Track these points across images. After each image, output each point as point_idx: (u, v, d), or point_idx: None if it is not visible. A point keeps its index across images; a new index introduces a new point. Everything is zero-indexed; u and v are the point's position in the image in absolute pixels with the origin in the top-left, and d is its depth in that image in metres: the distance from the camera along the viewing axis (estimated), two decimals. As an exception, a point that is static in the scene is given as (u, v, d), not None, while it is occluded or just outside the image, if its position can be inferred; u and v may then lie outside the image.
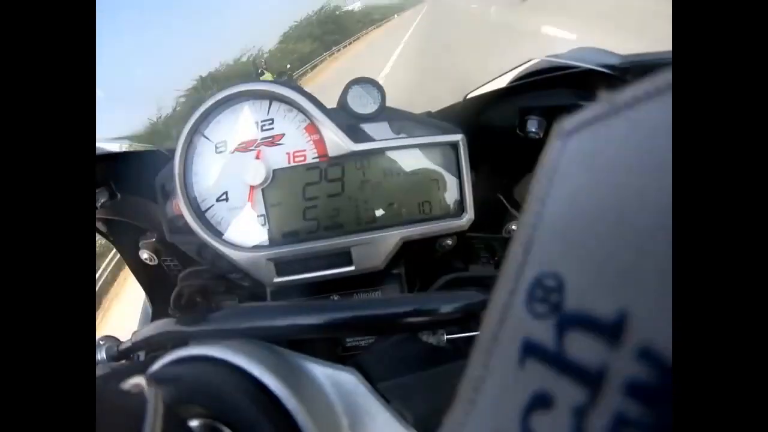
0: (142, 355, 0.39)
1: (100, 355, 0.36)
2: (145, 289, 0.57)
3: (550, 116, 0.38)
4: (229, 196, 0.39)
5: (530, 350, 0.08)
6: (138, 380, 0.23)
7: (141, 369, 0.26)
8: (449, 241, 0.41)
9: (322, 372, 0.26)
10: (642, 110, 0.08)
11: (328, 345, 0.40)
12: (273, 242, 0.39)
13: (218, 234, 0.39)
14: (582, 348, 0.07)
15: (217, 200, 0.40)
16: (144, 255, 0.50)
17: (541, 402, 0.07)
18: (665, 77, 0.08)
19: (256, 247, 0.39)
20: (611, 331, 0.07)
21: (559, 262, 0.08)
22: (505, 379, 0.08)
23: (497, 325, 0.09)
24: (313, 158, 0.38)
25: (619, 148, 0.08)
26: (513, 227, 0.45)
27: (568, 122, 0.09)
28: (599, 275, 0.07)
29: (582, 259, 0.07)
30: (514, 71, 0.39)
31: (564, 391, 0.07)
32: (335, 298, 0.41)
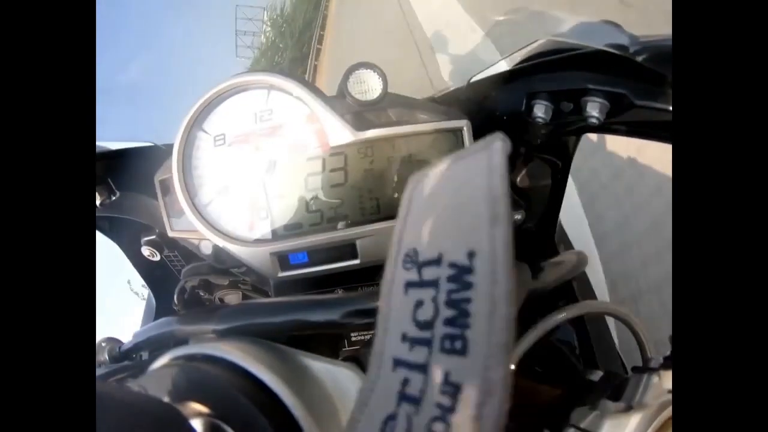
0: (144, 353, 0.39)
1: (102, 356, 0.35)
2: (148, 285, 0.56)
3: (557, 100, 0.36)
4: (229, 189, 0.38)
5: (408, 285, 0.16)
6: (139, 380, 0.23)
7: (142, 368, 0.26)
8: None
9: (321, 368, 0.25)
10: (462, 166, 0.15)
11: (333, 340, 0.39)
12: (276, 236, 0.37)
13: (219, 229, 0.38)
14: (428, 274, 0.15)
15: (218, 194, 0.38)
16: (146, 251, 0.49)
17: (418, 305, 0.15)
18: (487, 144, 0.14)
19: (258, 242, 0.37)
20: (437, 261, 0.14)
21: (414, 243, 0.16)
22: (399, 308, 0.16)
23: (390, 279, 0.16)
24: (315, 148, 0.37)
25: (442, 189, 0.16)
26: (517, 217, 0.44)
27: (418, 175, 0.18)
28: (430, 242, 0.15)
29: (424, 238, 0.16)
30: (519, 53, 0.37)
31: (426, 294, 0.15)
32: (339, 292, 0.40)
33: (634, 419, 0.25)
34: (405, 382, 0.14)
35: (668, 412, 0.25)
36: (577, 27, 0.39)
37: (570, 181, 0.43)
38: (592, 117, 0.34)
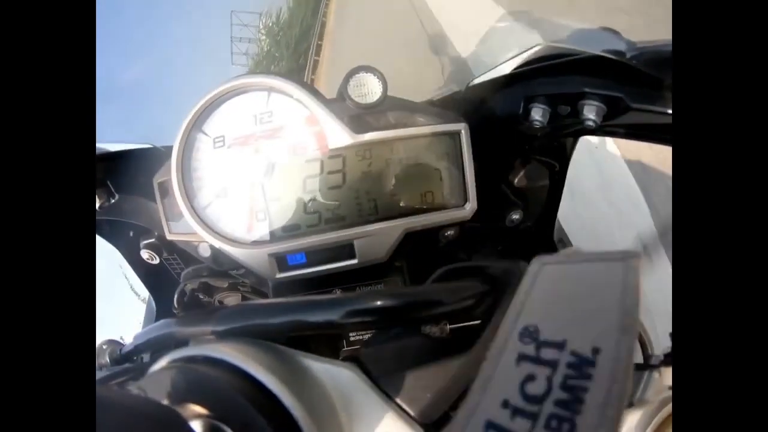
0: (145, 356, 0.38)
1: (103, 359, 0.34)
2: (148, 288, 0.55)
3: (554, 104, 0.36)
4: (228, 191, 0.38)
5: (522, 357, 0.16)
6: (139, 382, 0.23)
7: (142, 371, 0.25)
8: (451, 232, 0.40)
9: (320, 368, 0.25)
10: (595, 268, 0.17)
11: (331, 340, 0.39)
12: (274, 237, 0.37)
13: (218, 231, 0.37)
14: (546, 353, 0.15)
15: (217, 196, 0.38)
16: (145, 255, 0.48)
17: (529, 378, 0.15)
18: (625, 257, 0.16)
19: (256, 243, 0.37)
20: (559, 345, 0.15)
21: (537, 320, 0.16)
22: (506, 375, 0.16)
23: (502, 348, 0.16)
24: (314, 150, 0.36)
25: (573, 281, 0.17)
26: (515, 216, 0.44)
27: (544, 257, 0.18)
28: (556, 326, 0.16)
29: (548, 319, 0.16)
30: (518, 58, 0.37)
31: (540, 371, 0.15)
32: (338, 292, 0.40)
33: (635, 416, 0.25)
34: None
35: (669, 408, 0.25)
36: (576, 33, 0.39)
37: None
38: (589, 120, 0.34)
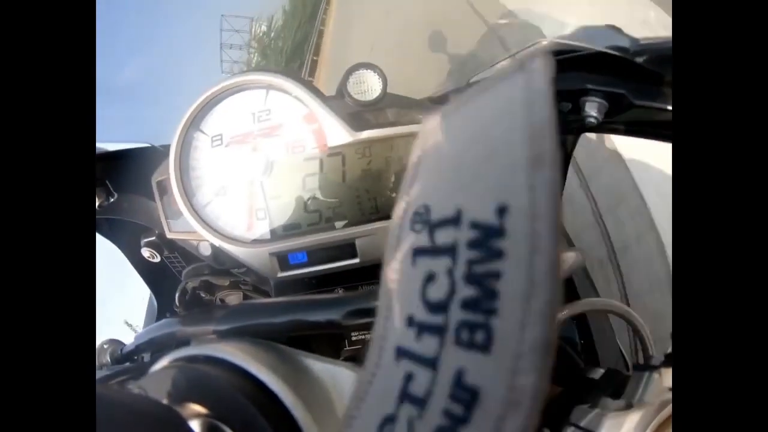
0: (146, 355, 0.38)
1: (104, 358, 0.34)
2: (149, 287, 0.55)
3: (556, 99, 0.35)
4: (227, 190, 0.37)
5: (417, 252, 0.12)
6: (139, 382, 0.22)
7: (143, 370, 0.25)
8: None
9: (321, 368, 0.25)
10: (488, 99, 0.12)
11: (332, 340, 0.38)
12: (274, 236, 0.37)
13: (218, 229, 0.37)
14: (442, 237, 0.11)
15: (216, 195, 0.37)
16: (146, 253, 0.48)
17: (430, 278, 0.12)
18: (523, 64, 0.11)
19: (257, 242, 0.36)
20: (454, 221, 0.11)
21: (426, 197, 0.13)
22: (405, 273, 0.13)
23: (395, 244, 0.13)
24: (313, 148, 0.36)
25: (463, 129, 0.12)
26: None
27: (433, 115, 0.14)
28: (446, 196, 0.12)
29: (436, 190, 0.12)
30: (520, 54, 0.36)
31: (439, 264, 0.11)
32: (340, 291, 0.40)
33: (635, 417, 0.24)
34: (409, 377, 0.11)
35: (669, 410, 0.24)
36: (579, 30, 0.38)
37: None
38: (591, 117, 0.33)
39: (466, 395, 0.09)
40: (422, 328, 0.11)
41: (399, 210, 0.14)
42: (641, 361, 0.31)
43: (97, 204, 0.43)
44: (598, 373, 0.31)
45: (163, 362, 0.25)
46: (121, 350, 0.35)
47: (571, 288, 0.43)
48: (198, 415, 0.20)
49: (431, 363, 0.11)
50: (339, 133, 0.35)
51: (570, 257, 0.35)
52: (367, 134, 0.35)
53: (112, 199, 0.44)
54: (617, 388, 0.27)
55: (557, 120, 0.10)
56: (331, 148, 0.35)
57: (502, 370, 0.09)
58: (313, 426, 0.21)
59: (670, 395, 0.25)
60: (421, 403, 0.11)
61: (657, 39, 0.33)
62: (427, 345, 0.11)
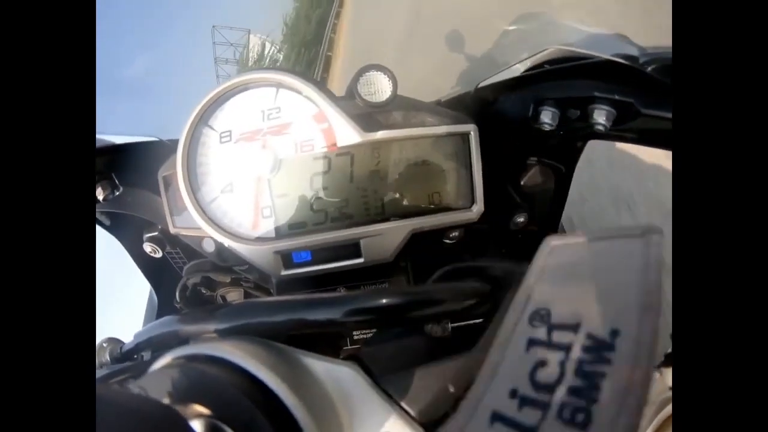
0: (146, 354, 0.37)
1: (104, 357, 0.33)
2: (150, 282, 0.54)
3: (564, 107, 0.35)
4: (234, 186, 0.36)
5: (532, 342, 0.14)
6: (139, 381, 0.22)
7: (143, 369, 0.24)
8: (456, 233, 0.39)
9: (321, 367, 0.24)
10: (611, 245, 0.15)
11: (333, 339, 0.37)
12: (279, 234, 0.36)
13: (223, 226, 0.36)
14: (559, 337, 0.14)
15: (222, 191, 0.37)
16: (148, 248, 0.47)
17: (540, 364, 0.13)
18: (645, 233, 0.14)
19: (262, 240, 0.36)
20: (573, 328, 0.14)
21: (548, 303, 0.15)
22: (515, 362, 0.14)
23: (510, 333, 0.15)
24: (322, 148, 0.35)
25: (588, 261, 0.15)
26: (520, 219, 0.43)
27: (554, 238, 0.17)
28: (568, 308, 0.14)
29: (559, 300, 0.15)
30: (528, 60, 0.36)
31: (552, 356, 0.13)
32: (342, 290, 0.39)
33: None
34: None
35: (670, 408, 0.24)
36: (587, 38, 0.38)
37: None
38: (599, 124, 0.33)
39: None
40: (525, 402, 0.13)
41: (520, 301, 0.16)
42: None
43: (101, 197, 0.42)
44: None
45: (163, 361, 0.24)
46: (121, 349, 0.34)
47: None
48: (199, 415, 0.19)
49: (531, 431, 0.13)
50: (349, 134, 0.34)
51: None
52: (377, 135, 0.34)
53: (117, 192, 0.43)
54: None
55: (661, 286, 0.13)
56: (341, 148, 0.35)
57: None
58: (313, 426, 0.21)
59: (670, 394, 0.25)
60: None
61: (665, 48, 0.33)
62: (529, 416, 0.13)
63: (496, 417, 0.13)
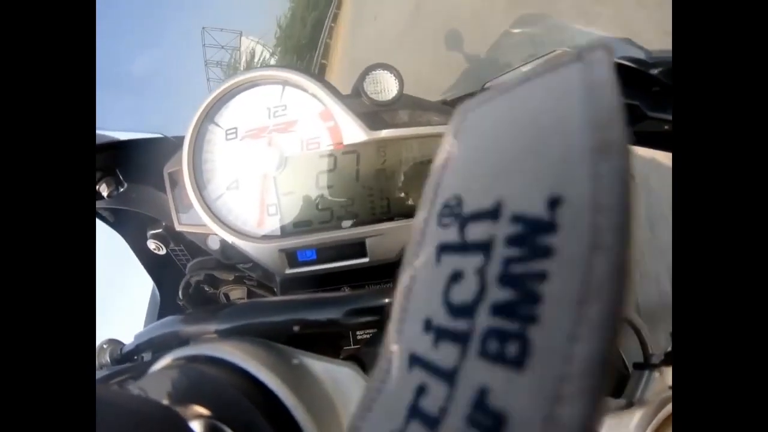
0: (147, 355, 0.36)
1: (104, 358, 0.33)
2: (153, 279, 0.54)
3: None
4: (239, 184, 0.36)
5: (443, 249, 0.11)
6: (139, 382, 0.22)
7: (143, 370, 0.24)
8: None
9: (321, 367, 0.24)
10: (538, 86, 0.11)
11: (336, 339, 0.37)
12: (284, 232, 0.36)
13: (228, 224, 0.36)
14: (475, 232, 0.10)
15: (228, 188, 0.36)
16: (152, 245, 0.46)
17: (455, 278, 0.10)
18: (582, 54, 0.10)
19: (267, 238, 0.35)
20: (492, 213, 0.09)
21: (459, 188, 0.11)
22: (427, 271, 0.11)
23: (418, 240, 0.12)
24: (328, 146, 0.35)
25: (510, 117, 0.11)
26: None
27: (465, 104, 0.13)
28: (483, 186, 0.10)
29: (474, 181, 0.11)
30: (534, 62, 0.36)
31: (468, 263, 0.10)
32: (346, 290, 0.39)
33: (636, 416, 0.24)
34: (421, 390, 0.10)
35: (670, 408, 0.24)
36: (593, 41, 0.38)
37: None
38: None
39: (488, 420, 0.08)
40: (441, 334, 0.10)
41: (425, 205, 0.12)
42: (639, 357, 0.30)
43: (106, 193, 0.42)
44: None
45: (163, 362, 0.24)
46: (121, 350, 0.34)
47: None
48: (198, 416, 0.19)
49: (449, 376, 0.09)
50: (355, 132, 0.34)
51: None
52: (383, 134, 0.34)
53: (121, 189, 0.43)
54: (617, 386, 0.26)
55: (622, 107, 0.08)
56: (347, 146, 0.35)
57: (539, 393, 0.07)
58: (314, 426, 0.20)
59: (670, 393, 0.25)
60: (432, 422, 0.09)
61: (670, 51, 0.33)
62: (446, 354, 0.09)
63: (414, 360, 0.10)
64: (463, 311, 0.09)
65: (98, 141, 0.42)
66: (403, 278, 0.12)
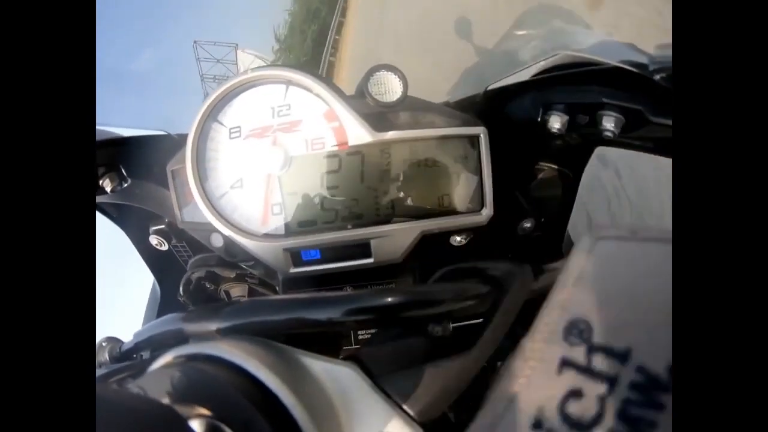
0: (146, 353, 0.36)
1: (103, 357, 0.33)
2: (154, 275, 0.54)
3: (573, 112, 0.35)
4: (243, 182, 0.36)
5: (566, 364, 0.11)
6: (138, 381, 0.22)
7: (143, 368, 0.24)
8: (463, 236, 0.39)
9: (320, 367, 0.24)
10: (651, 247, 0.12)
11: (336, 338, 0.37)
12: (289, 231, 0.36)
13: (232, 222, 0.36)
14: (601, 364, 0.11)
15: (232, 187, 0.36)
16: (154, 241, 0.46)
17: (573, 394, 0.11)
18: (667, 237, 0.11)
19: (270, 237, 0.35)
20: (621, 356, 0.11)
21: (589, 314, 0.12)
22: (544, 382, 0.12)
23: (542, 346, 0.12)
24: (332, 146, 0.35)
25: (630, 261, 0.12)
26: (527, 224, 0.42)
27: (602, 230, 0.14)
28: (615, 325, 0.11)
29: (605, 314, 0.12)
30: (537, 65, 0.36)
31: (590, 387, 0.11)
32: (348, 289, 0.39)
33: None
34: None
35: None
36: (597, 45, 0.38)
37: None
38: (607, 130, 0.33)
39: None
40: None
41: (553, 307, 0.13)
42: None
43: (109, 188, 0.42)
44: None
45: (162, 361, 0.24)
46: (120, 348, 0.34)
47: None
48: (198, 415, 0.19)
49: None
50: (360, 133, 0.34)
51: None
52: (388, 135, 0.34)
53: (125, 184, 0.42)
54: None
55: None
56: (352, 147, 0.35)
57: None
58: (313, 426, 0.20)
59: None
60: None
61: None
62: None
63: None
64: (580, 426, 0.10)
65: (103, 137, 0.42)
66: (517, 363, 0.13)
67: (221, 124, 0.36)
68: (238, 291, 0.49)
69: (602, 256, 0.13)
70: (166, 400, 0.20)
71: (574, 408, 0.11)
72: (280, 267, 0.35)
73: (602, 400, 0.11)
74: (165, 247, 0.47)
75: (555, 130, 0.35)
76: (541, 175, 0.40)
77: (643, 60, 0.33)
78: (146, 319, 0.56)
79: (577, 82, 0.35)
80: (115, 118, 0.43)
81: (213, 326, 0.26)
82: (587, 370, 0.11)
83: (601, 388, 0.11)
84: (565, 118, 0.35)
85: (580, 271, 0.13)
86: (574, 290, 0.13)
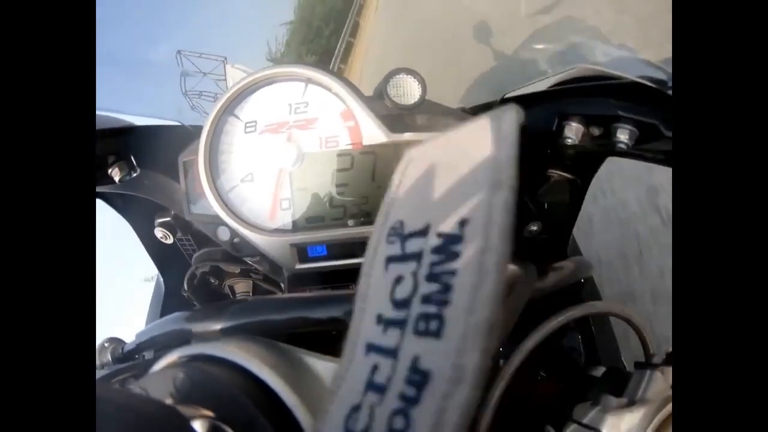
0: (148, 354, 0.36)
1: (105, 358, 0.32)
2: (158, 268, 0.53)
3: (588, 124, 0.35)
4: (254, 176, 0.36)
5: (390, 260, 0.13)
6: (140, 381, 0.21)
7: (145, 369, 0.24)
8: None
9: (323, 366, 0.24)
10: (463, 133, 0.14)
11: (341, 337, 0.36)
12: (296, 227, 0.35)
13: (240, 215, 0.35)
14: (411, 246, 0.13)
15: (242, 181, 0.36)
16: (159, 233, 0.46)
17: (398, 280, 0.13)
18: (497, 111, 0.13)
19: (278, 231, 0.35)
20: (422, 232, 0.13)
21: (402, 215, 0.14)
22: (378, 279, 0.13)
23: (372, 256, 0.14)
24: (346, 145, 0.35)
25: (440, 160, 0.14)
26: (533, 228, 0.42)
27: (414, 149, 0.16)
28: (418, 213, 0.13)
29: (412, 210, 0.14)
30: (555, 77, 0.36)
31: (407, 269, 0.12)
32: (353, 287, 0.38)
33: (636, 414, 0.23)
34: (374, 368, 0.12)
35: (670, 408, 0.23)
36: (614, 59, 0.38)
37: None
38: (621, 142, 0.33)
39: (418, 378, 0.10)
40: (388, 324, 0.12)
41: (377, 228, 0.15)
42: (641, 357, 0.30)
43: (117, 178, 0.41)
44: (599, 371, 0.30)
45: (165, 361, 0.23)
46: (122, 349, 0.33)
47: (576, 293, 0.43)
48: (200, 416, 0.19)
49: (393, 353, 0.12)
50: (375, 133, 0.34)
51: (569, 266, 0.34)
52: (405, 137, 0.34)
53: (134, 174, 0.42)
54: (618, 385, 0.26)
55: (518, 160, 0.11)
56: (365, 146, 0.34)
57: (450, 351, 0.10)
58: (315, 426, 0.20)
59: (670, 394, 0.24)
60: (381, 389, 0.11)
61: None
62: (391, 337, 0.12)
63: (369, 347, 0.13)
64: (403, 304, 0.12)
65: (114, 125, 0.41)
66: (361, 286, 0.15)
67: (237, 117, 0.36)
68: (242, 286, 0.48)
69: (412, 166, 0.15)
70: (168, 401, 0.19)
71: (399, 292, 0.12)
72: (285, 262, 0.35)
73: (415, 273, 0.12)
74: (170, 240, 0.46)
75: (569, 140, 0.34)
76: (550, 182, 0.40)
77: (659, 75, 0.33)
78: (150, 312, 0.55)
79: (593, 95, 0.35)
80: (131, 106, 0.43)
81: (215, 326, 0.26)
82: (402, 257, 0.13)
83: (412, 265, 0.12)
84: (580, 128, 0.34)
85: (396, 184, 0.15)
86: (393, 202, 0.15)
